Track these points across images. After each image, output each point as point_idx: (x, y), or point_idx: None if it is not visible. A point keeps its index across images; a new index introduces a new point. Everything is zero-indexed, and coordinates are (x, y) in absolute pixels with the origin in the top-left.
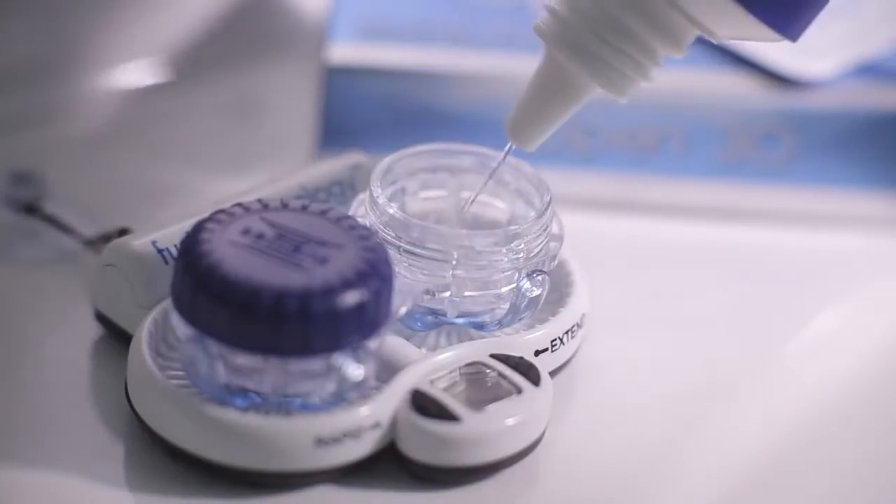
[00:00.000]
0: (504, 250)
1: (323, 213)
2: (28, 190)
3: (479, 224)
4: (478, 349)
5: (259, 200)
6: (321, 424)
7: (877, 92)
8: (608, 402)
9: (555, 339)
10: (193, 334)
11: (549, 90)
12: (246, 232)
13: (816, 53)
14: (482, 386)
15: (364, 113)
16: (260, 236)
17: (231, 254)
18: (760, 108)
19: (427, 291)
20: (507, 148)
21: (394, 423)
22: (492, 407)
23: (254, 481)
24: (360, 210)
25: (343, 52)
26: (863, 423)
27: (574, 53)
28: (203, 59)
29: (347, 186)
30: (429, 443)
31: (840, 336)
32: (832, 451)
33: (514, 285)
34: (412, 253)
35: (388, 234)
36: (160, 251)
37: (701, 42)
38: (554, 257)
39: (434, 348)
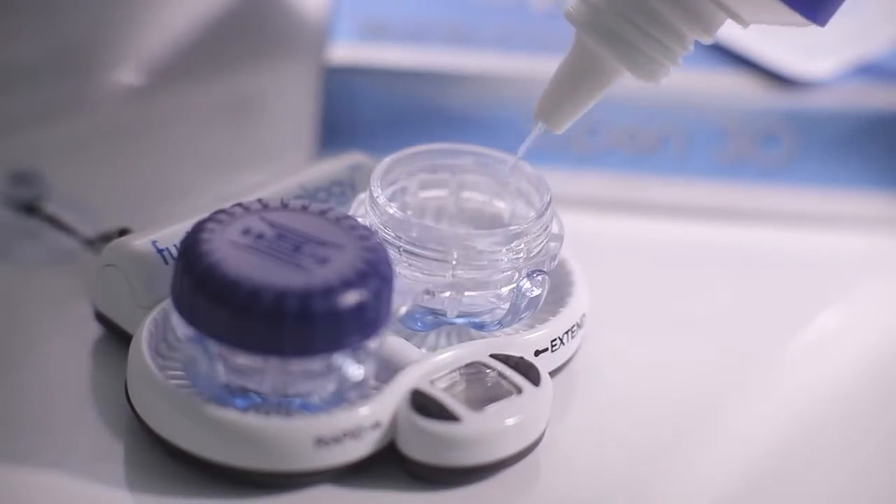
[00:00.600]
0: (504, 250)
1: (323, 213)
2: (28, 190)
3: (480, 221)
4: (478, 349)
5: (259, 200)
6: (321, 424)
7: (877, 92)
8: (608, 402)
9: (555, 339)
10: (193, 334)
11: (578, 74)
12: (246, 232)
13: (816, 53)
14: (482, 386)
15: (364, 113)
16: (260, 236)
17: (231, 254)
18: (760, 108)
19: (427, 291)
20: (536, 128)
21: (394, 423)
22: (492, 407)
23: (254, 481)
24: (360, 210)
25: (343, 52)
26: (863, 423)
27: (603, 38)
28: (203, 59)
29: (347, 186)
30: (429, 443)
31: (840, 336)
32: (832, 451)
33: (514, 285)
34: (412, 253)
35: (388, 234)
36: (160, 251)
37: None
38: (554, 257)
39: (434, 348)
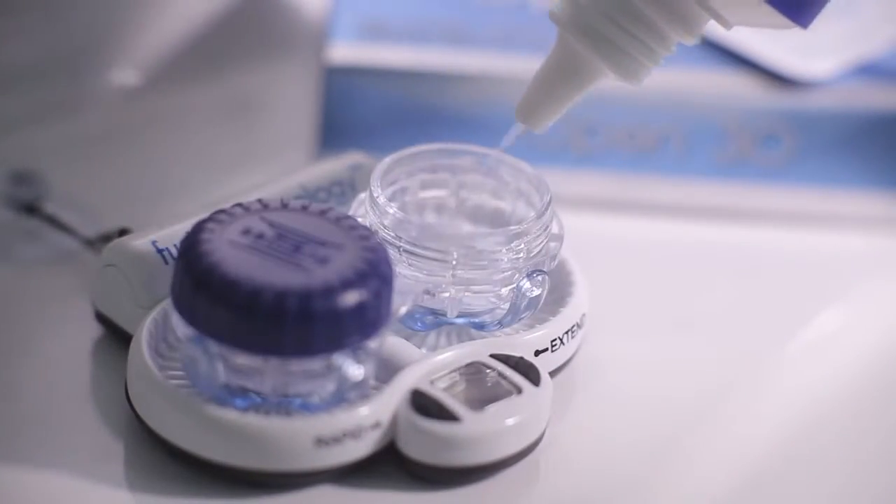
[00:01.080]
0: (504, 250)
1: (323, 213)
2: (28, 190)
3: (481, 217)
4: (478, 349)
5: (259, 200)
6: (321, 424)
7: (877, 92)
8: (608, 402)
9: (555, 339)
10: (193, 334)
11: (561, 74)
12: (246, 232)
13: (816, 53)
14: (482, 386)
15: (364, 113)
16: (260, 236)
17: (231, 254)
18: (760, 108)
19: (427, 291)
20: (516, 127)
21: (394, 423)
22: (492, 407)
23: (254, 481)
24: (360, 210)
25: (343, 52)
26: (863, 423)
27: (586, 37)
28: (203, 59)
29: (347, 186)
30: (429, 443)
31: (840, 336)
32: (832, 451)
33: (514, 285)
34: (412, 253)
35: (388, 234)
36: (160, 251)
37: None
38: (554, 257)
39: (434, 348)
